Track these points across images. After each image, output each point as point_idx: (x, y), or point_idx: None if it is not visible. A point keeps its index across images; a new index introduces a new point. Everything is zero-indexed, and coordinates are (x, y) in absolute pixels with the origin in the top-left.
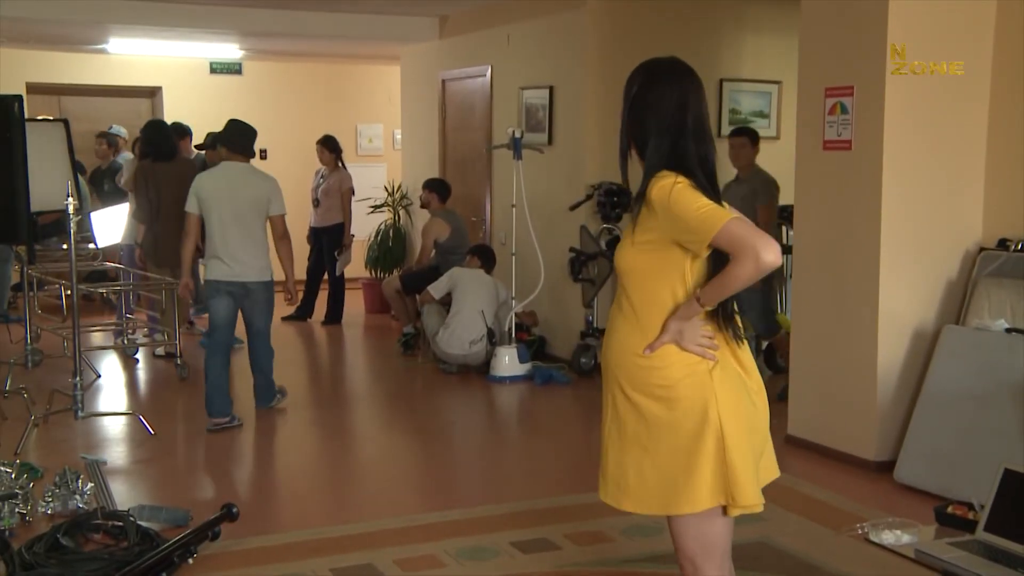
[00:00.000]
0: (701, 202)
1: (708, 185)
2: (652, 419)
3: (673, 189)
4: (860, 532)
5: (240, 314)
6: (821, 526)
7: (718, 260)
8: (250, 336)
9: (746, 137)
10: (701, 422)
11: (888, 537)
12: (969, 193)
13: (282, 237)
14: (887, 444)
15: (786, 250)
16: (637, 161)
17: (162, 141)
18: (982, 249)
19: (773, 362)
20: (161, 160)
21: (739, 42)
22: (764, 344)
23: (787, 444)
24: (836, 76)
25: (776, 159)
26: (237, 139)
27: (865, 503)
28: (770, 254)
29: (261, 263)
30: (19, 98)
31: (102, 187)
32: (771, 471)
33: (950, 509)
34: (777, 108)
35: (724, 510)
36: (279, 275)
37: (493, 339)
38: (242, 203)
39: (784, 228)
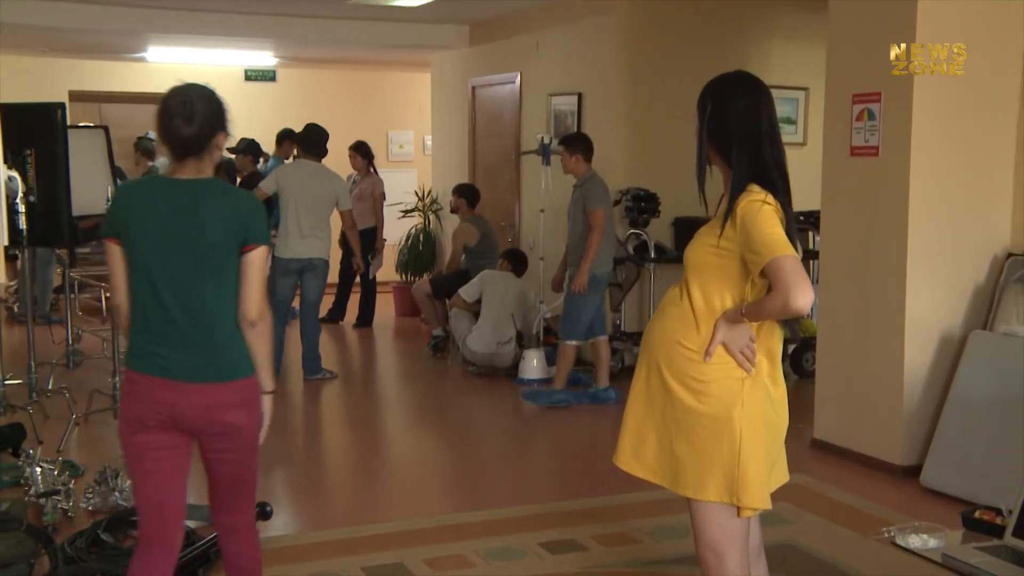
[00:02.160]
0: (775, 232)
1: (785, 189)
2: (680, 405)
3: (761, 210)
4: (887, 536)
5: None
6: (847, 530)
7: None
8: (303, 308)
9: (563, 147)
10: (724, 423)
11: (915, 541)
12: (997, 199)
13: (352, 227)
14: (913, 449)
15: (813, 255)
16: (719, 174)
17: None
18: (1010, 255)
19: (799, 366)
20: None
21: (766, 49)
22: (790, 349)
23: (813, 448)
24: (864, 82)
25: (803, 165)
26: (312, 142)
27: (891, 507)
28: (801, 299)
29: (324, 244)
30: (62, 106)
31: None
32: (782, 476)
33: (977, 514)
34: (804, 114)
35: (739, 510)
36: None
37: (522, 341)
38: (315, 195)
39: (811, 233)
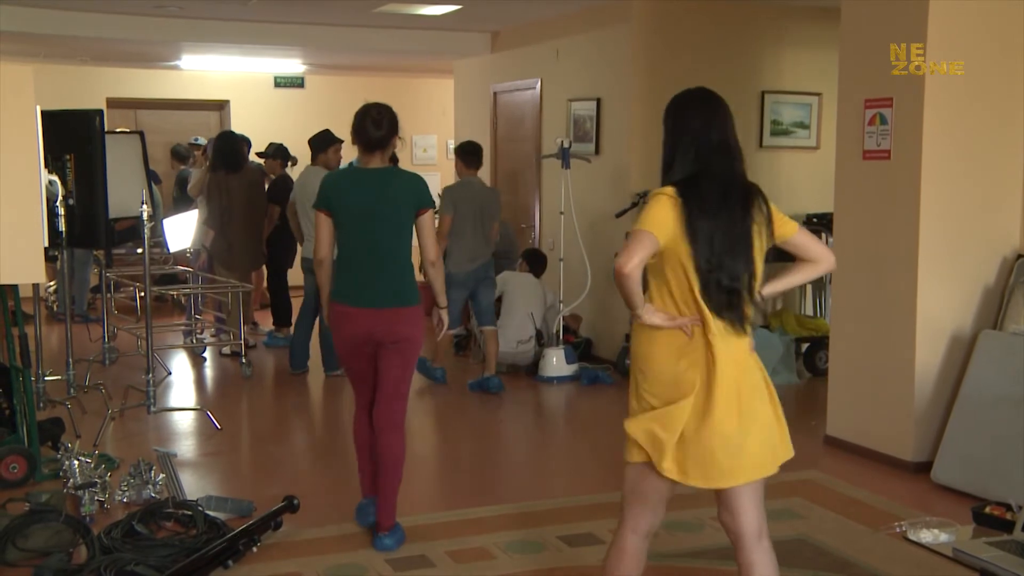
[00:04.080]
0: (649, 213)
1: (717, 197)
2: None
3: (654, 197)
4: (898, 531)
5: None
6: (859, 524)
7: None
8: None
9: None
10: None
11: (926, 536)
12: (1007, 201)
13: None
14: (924, 445)
15: None
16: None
17: (234, 153)
18: (1019, 256)
19: (812, 365)
20: (232, 171)
21: (780, 55)
22: (804, 347)
23: (826, 445)
24: (876, 88)
25: (816, 169)
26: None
27: (902, 503)
28: (617, 261)
29: None
30: (100, 112)
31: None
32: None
33: (988, 509)
34: (817, 119)
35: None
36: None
37: (541, 340)
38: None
39: (824, 235)
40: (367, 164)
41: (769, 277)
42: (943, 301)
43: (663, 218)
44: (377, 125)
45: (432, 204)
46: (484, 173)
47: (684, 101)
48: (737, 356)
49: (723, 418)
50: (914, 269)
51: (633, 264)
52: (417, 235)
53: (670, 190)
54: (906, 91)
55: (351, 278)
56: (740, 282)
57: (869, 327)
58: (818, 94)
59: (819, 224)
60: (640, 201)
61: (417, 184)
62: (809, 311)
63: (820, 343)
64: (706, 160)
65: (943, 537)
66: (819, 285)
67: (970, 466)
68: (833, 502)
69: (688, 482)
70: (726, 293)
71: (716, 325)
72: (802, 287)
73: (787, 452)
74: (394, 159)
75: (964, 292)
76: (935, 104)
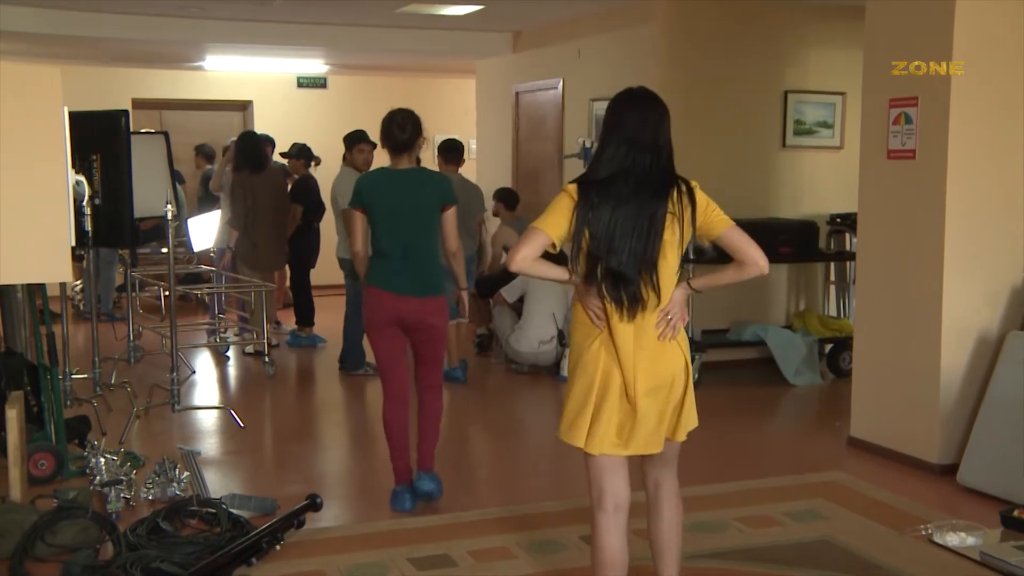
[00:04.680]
0: (548, 210)
1: (629, 188)
2: None
3: (557, 194)
4: (924, 533)
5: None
6: (884, 527)
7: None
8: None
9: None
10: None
11: (952, 539)
12: None
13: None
14: (950, 447)
15: (849, 256)
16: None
17: (257, 153)
18: None
19: (836, 366)
20: (256, 171)
21: (804, 55)
22: (827, 348)
23: (850, 446)
24: (901, 87)
25: (840, 168)
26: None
27: (928, 505)
28: (511, 257)
29: None
30: (125, 113)
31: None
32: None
33: (1016, 513)
34: (841, 118)
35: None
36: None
37: (563, 340)
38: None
39: (847, 235)
40: (396, 165)
41: (707, 273)
42: (969, 301)
43: (556, 217)
44: (402, 129)
45: (455, 201)
46: (505, 173)
47: (622, 100)
48: (642, 341)
49: (622, 396)
50: (939, 269)
51: (518, 260)
52: (442, 228)
53: (571, 187)
54: (932, 90)
55: (385, 267)
56: (629, 268)
57: (894, 328)
58: (842, 93)
59: (843, 224)
60: None
61: (442, 183)
62: (832, 312)
63: (843, 344)
64: (632, 157)
65: (970, 540)
66: (842, 285)
67: (997, 468)
68: (857, 504)
69: (605, 452)
70: (612, 277)
71: (610, 308)
72: (825, 288)
73: (690, 424)
74: (416, 161)
75: (990, 293)
76: (961, 103)
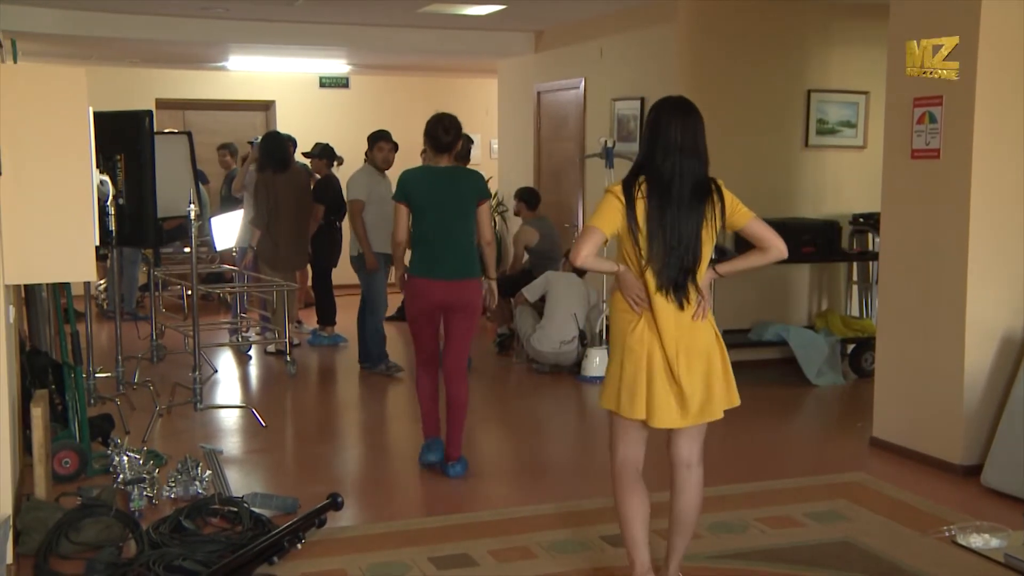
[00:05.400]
0: (598, 210)
1: (666, 191)
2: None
3: (603, 195)
4: (947, 535)
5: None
6: (907, 528)
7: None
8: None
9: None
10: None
11: (976, 540)
12: None
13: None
14: (974, 449)
15: (872, 256)
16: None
17: (280, 153)
18: None
19: (859, 366)
20: (279, 171)
21: (827, 54)
22: (850, 348)
23: (872, 447)
24: (925, 86)
25: (863, 168)
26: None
27: (951, 506)
28: (573, 251)
29: None
30: (149, 113)
31: (219, 193)
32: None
33: None
34: (864, 118)
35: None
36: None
37: (584, 340)
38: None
39: (870, 235)
40: (437, 163)
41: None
42: (993, 302)
43: (608, 216)
44: (447, 132)
45: (489, 196)
46: (527, 172)
47: (661, 107)
48: (680, 322)
49: (667, 372)
50: (963, 269)
51: (582, 257)
52: (477, 220)
53: (616, 188)
54: (956, 90)
55: (428, 255)
56: (676, 264)
57: (917, 328)
58: (865, 92)
59: (865, 224)
60: None
61: (478, 180)
62: (855, 312)
63: (866, 344)
64: (679, 163)
65: (994, 542)
66: (865, 285)
67: (1022, 470)
68: (880, 505)
69: (666, 425)
70: (663, 271)
71: (657, 298)
72: (847, 288)
73: (730, 402)
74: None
75: (1015, 293)
76: (986, 103)
